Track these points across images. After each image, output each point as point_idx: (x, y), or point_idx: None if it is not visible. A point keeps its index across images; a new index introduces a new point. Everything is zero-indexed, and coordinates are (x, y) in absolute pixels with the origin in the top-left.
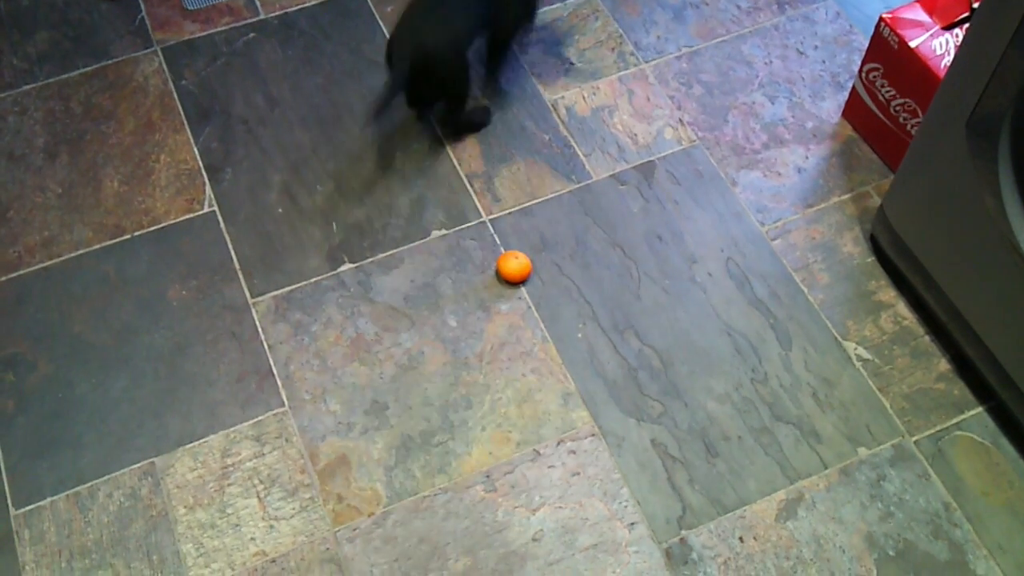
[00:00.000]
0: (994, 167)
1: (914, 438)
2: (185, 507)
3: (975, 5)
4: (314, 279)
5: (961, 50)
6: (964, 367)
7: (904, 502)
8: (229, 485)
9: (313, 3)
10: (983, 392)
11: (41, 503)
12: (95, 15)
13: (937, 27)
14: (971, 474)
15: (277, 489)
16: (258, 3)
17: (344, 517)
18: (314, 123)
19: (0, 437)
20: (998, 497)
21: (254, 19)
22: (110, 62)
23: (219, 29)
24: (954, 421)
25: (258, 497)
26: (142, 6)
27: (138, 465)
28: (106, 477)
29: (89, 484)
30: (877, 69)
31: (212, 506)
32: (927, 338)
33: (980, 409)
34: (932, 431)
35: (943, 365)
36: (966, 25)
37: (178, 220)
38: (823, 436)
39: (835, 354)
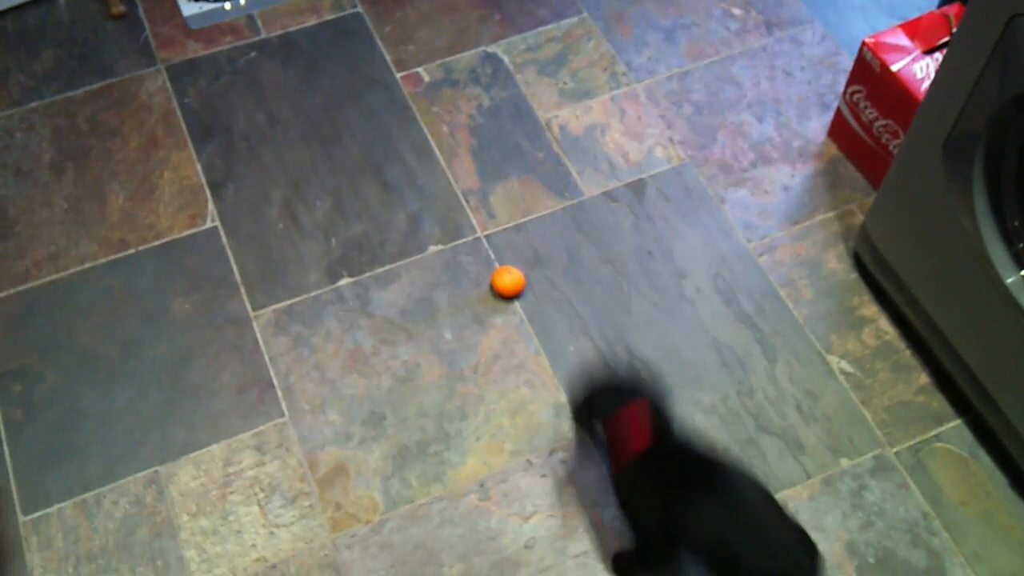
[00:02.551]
0: (969, 188)
1: (894, 449)
2: (188, 514)
3: (955, 30)
4: (314, 293)
5: (938, 74)
6: (943, 381)
7: (884, 511)
8: (231, 493)
9: (313, 23)
10: (961, 405)
11: (49, 510)
12: (100, 34)
13: (918, 51)
14: (949, 484)
15: (277, 497)
16: (260, 23)
17: (342, 524)
18: (314, 140)
19: (9, 446)
20: (975, 507)
21: (256, 39)
22: (115, 80)
23: (222, 48)
24: (933, 433)
25: (259, 505)
26: (146, 25)
27: (143, 473)
28: (112, 485)
29: (95, 492)
30: (860, 91)
31: (214, 513)
32: (908, 352)
33: (958, 421)
34: (912, 443)
35: (923, 379)
36: (946, 50)
37: (181, 235)
38: (806, 447)
39: (819, 367)
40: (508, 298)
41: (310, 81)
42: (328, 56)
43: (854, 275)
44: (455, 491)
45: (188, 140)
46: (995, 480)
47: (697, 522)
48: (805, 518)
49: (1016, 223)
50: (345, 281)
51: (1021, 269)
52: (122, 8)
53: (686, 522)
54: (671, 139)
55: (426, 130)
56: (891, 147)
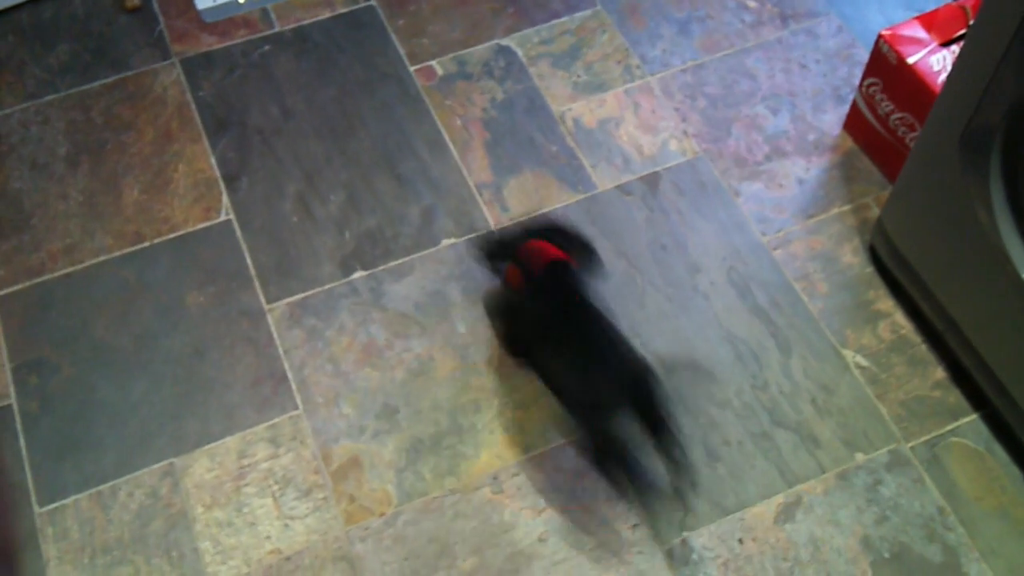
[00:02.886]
0: (986, 182)
1: (910, 444)
2: (203, 506)
3: (972, 22)
4: (327, 286)
5: (955, 66)
6: (959, 375)
7: (899, 506)
8: (245, 485)
9: (326, 16)
10: (977, 399)
11: (65, 501)
12: (115, 27)
13: (935, 44)
14: (965, 479)
15: (291, 489)
16: (273, 16)
17: (356, 517)
18: (327, 134)
19: (25, 438)
20: (991, 502)
21: (269, 32)
22: (130, 73)
23: (236, 41)
24: (949, 428)
25: (273, 497)
26: (161, 19)
27: (158, 465)
28: (127, 477)
29: (111, 483)
30: (876, 84)
31: (229, 505)
32: (924, 347)
33: (974, 416)
34: (927, 437)
35: (939, 373)
36: (963, 42)
37: (196, 228)
38: (821, 441)
39: (834, 362)
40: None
41: (323, 74)
42: (341, 49)
43: (869, 269)
44: (469, 484)
45: (202, 133)
46: (1011, 475)
47: (550, 354)
48: (819, 512)
49: None
50: (359, 274)
51: None
52: (137, 1)
53: (542, 351)
54: (685, 132)
55: (439, 123)
56: (907, 140)
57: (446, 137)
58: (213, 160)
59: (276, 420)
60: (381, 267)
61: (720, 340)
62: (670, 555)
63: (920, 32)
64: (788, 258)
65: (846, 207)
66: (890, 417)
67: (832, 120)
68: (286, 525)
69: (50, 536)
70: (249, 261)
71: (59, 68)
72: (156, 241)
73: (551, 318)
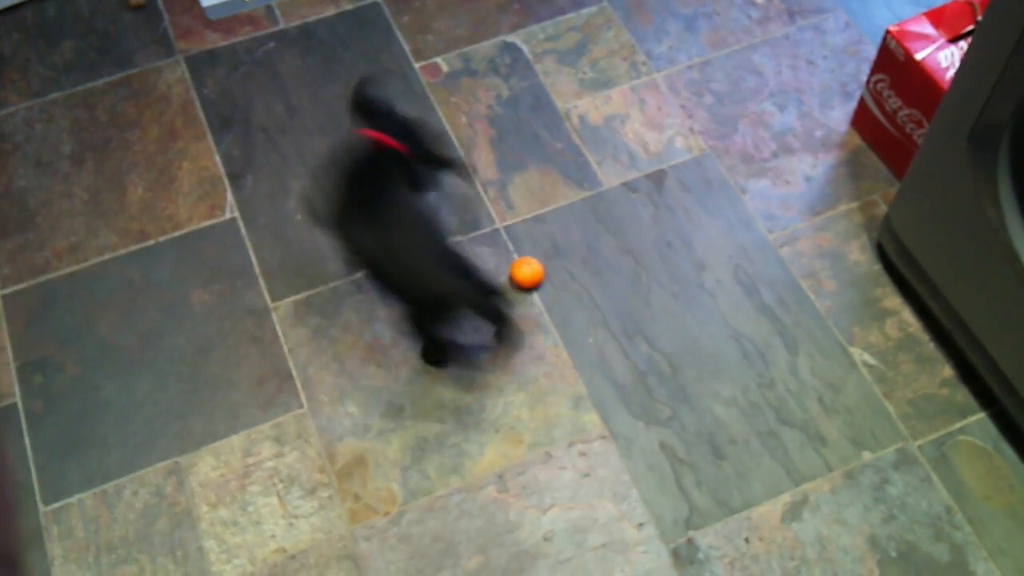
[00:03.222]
0: (994, 179)
1: (917, 442)
2: (208, 505)
3: (980, 18)
4: (332, 284)
5: (964, 63)
6: (967, 373)
7: (907, 505)
8: (250, 484)
9: (331, 13)
10: (985, 398)
11: (69, 500)
12: (120, 25)
13: (943, 40)
14: (973, 478)
15: (296, 488)
16: (278, 13)
17: (361, 516)
18: (332, 131)
19: (30, 437)
20: (999, 501)
21: (274, 29)
22: (134, 71)
23: (240, 39)
24: (957, 426)
25: (278, 495)
26: (165, 16)
27: (163, 464)
28: (132, 475)
29: (115, 482)
30: (884, 80)
31: (234, 504)
32: (931, 344)
33: (982, 415)
34: (935, 436)
35: (947, 371)
36: (972, 38)
37: (200, 226)
38: (828, 440)
39: (841, 360)
40: (527, 289)
41: (328, 71)
42: (346, 46)
43: (877, 266)
44: (473, 483)
45: (207, 131)
46: (1019, 474)
47: (358, 235)
48: (827, 511)
49: None
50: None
51: None
52: None
53: (350, 230)
54: (691, 129)
55: (444, 120)
56: (915, 137)
57: (451, 134)
58: (218, 158)
59: (281, 418)
60: None
61: (726, 338)
62: (676, 554)
63: (928, 28)
64: (795, 256)
65: (853, 204)
66: (897, 415)
67: (839, 117)
68: (291, 524)
69: (55, 535)
70: (254, 259)
71: (64, 66)
72: (161, 239)
73: (363, 197)
